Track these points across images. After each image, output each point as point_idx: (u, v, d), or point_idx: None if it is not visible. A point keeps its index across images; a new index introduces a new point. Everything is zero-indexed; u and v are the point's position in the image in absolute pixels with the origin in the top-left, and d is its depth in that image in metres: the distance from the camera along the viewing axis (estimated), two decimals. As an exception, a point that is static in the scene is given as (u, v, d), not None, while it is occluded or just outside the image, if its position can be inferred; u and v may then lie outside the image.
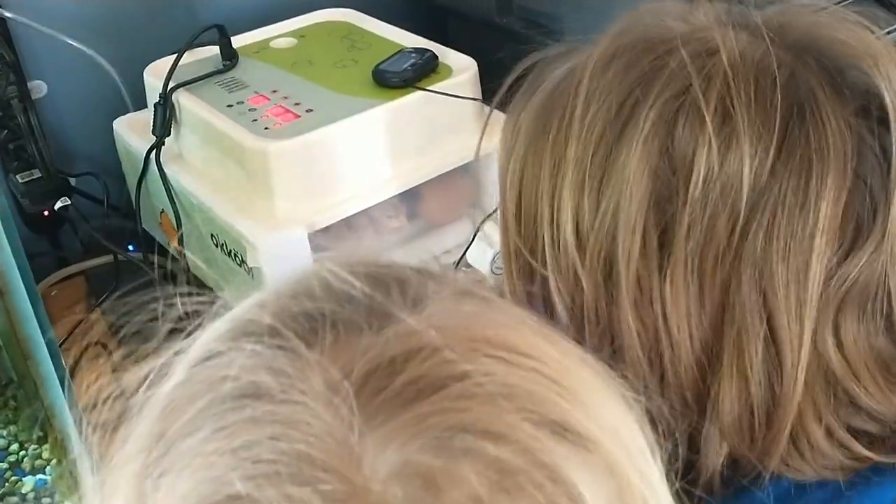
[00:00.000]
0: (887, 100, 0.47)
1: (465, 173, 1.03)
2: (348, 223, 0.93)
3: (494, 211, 1.02)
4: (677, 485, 0.37)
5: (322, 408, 0.28)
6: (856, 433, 0.52)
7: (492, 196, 1.04)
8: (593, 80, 0.51)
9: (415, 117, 0.93)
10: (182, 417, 0.30)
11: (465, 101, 0.95)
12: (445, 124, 0.95)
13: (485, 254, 1.02)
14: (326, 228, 0.89)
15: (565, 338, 0.35)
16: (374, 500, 0.27)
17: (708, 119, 0.47)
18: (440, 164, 0.95)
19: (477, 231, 1.00)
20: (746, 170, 0.47)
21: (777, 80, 0.47)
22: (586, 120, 0.50)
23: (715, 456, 0.53)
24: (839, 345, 0.49)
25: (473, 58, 0.99)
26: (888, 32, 0.54)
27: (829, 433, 0.51)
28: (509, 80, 0.57)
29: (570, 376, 0.32)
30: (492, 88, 0.99)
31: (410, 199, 1.00)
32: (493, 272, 0.98)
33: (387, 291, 0.33)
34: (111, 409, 0.34)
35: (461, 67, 0.97)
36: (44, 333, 0.65)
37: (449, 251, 1.04)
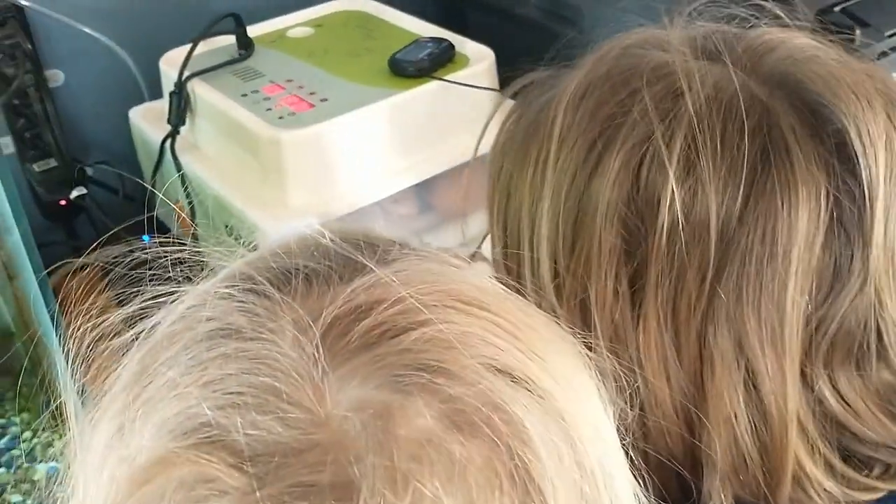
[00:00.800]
0: (856, 144, 0.45)
1: (482, 164, 1.02)
2: (361, 213, 0.92)
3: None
4: (628, 439, 0.37)
5: (289, 347, 0.31)
6: (864, 464, 0.51)
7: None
8: (566, 116, 0.50)
9: (431, 107, 0.92)
10: (162, 356, 0.33)
11: (482, 91, 0.94)
12: (462, 114, 0.94)
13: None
14: (340, 218, 0.88)
15: (529, 304, 0.37)
16: (333, 430, 0.29)
17: (670, 170, 0.46)
18: (456, 155, 0.94)
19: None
20: (713, 219, 0.46)
21: (745, 124, 0.46)
22: (558, 164, 0.50)
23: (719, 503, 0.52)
24: (835, 389, 0.48)
25: (491, 48, 0.98)
26: (880, 55, 0.52)
27: (834, 472, 0.50)
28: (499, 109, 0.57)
29: (528, 332, 0.34)
30: (509, 78, 0.99)
31: (425, 190, 0.99)
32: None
33: (358, 249, 0.35)
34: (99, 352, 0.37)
35: (478, 57, 0.96)
36: (53, 317, 0.65)
37: (465, 244, 1.03)
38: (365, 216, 0.93)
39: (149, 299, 0.36)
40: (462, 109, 0.94)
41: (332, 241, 0.36)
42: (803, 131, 0.46)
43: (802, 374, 0.48)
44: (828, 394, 0.48)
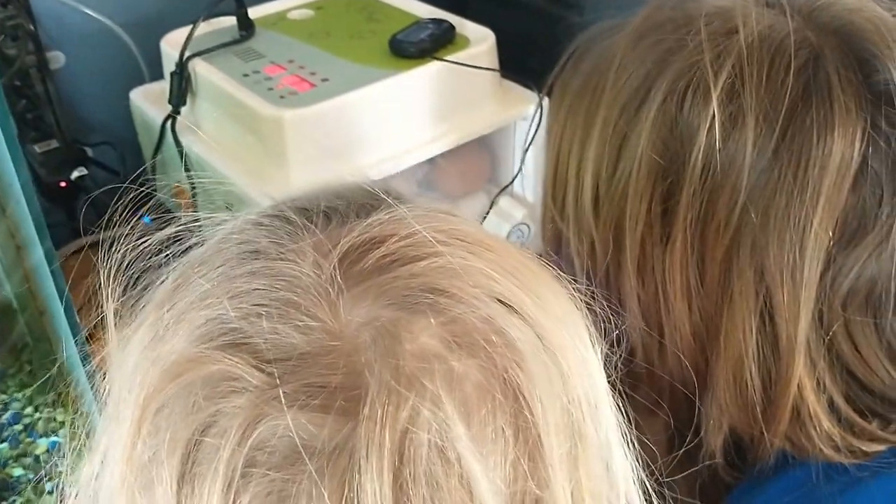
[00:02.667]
0: (894, 90, 0.46)
1: (482, 146, 1.02)
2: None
3: (510, 184, 1.02)
4: (614, 376, 0.40)
5: (309, 267, 0.34)
6: (868, 415, 0.51)
7: (508, 170, 1.04)
8: (625, 54, 0.52)
9: (431, 88, 0.92)
10: (196, 274, 0.36)
11: (483, 72, 0.94)
12: (462, 95, 0.94)
13: (500, 228, 1.02)
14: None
15: (531, 254, 0.40)
16: (346, 339, 0.32)
17: (714, 96, 0.48)
18: (457, 136, 0.94)
19: (492, 205, 1.00)
20: (749, 148, 0.47)
21: (793, 62, 0.47)
22: (614, 91, 0.52)
23: (715, 432, 0.54)
24: (849, 334, 0.49)
25: (491, 30, 0.98)
26: None
27: (839, 416, 0.51)
28: (562, 60, 0.58)
29: (526, 272, 0.37)
30: (509, 59, 0.99)
31: (426, 170, 0.99)
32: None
33: (374, 193, 0.39)
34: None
35: (479, 38, 0.97)
36: (59, 289, 0.65)
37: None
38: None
39: (181, 225, 0.40)
40: (462, 90, 0.94)
41: (353, 184, 0.40)
42: (848, 76, 0.48)
43: (820, 314, 0.49)
44: (841, 338, 0.49)
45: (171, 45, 0.98)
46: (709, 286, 0.50)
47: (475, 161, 1.00)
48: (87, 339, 0.97)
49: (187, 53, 0.94)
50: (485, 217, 1.01)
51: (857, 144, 0.47)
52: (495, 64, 0.96)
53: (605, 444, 0.36)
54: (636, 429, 0.72)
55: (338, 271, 0.34)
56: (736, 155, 0.48)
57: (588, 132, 0.54)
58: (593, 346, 0.38)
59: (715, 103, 0.48)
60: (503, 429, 0.32)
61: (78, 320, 0.70)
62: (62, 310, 0.66)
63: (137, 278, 0.40)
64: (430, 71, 0.92)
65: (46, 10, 1.04)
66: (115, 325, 0.39)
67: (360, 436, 0.30)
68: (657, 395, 0.59)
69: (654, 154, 0.50)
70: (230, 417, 0.31)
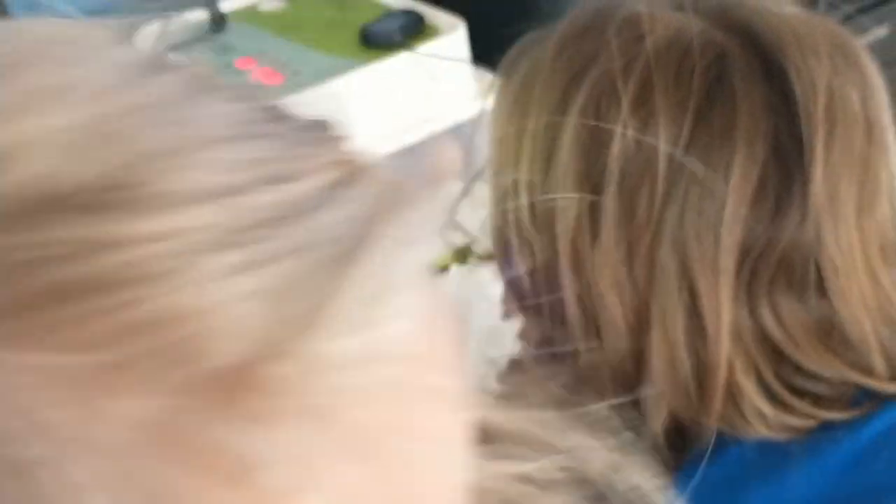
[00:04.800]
0: (797, 88, 0.49)
1: (455, 135, 1.03)
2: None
3: (481, 171, 1.03)
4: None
5: None
6: (800, 392, 0.54)
7: (482, 158, 1.04)
8: (550, 64, 0.55)
9: (402, 78, 0.93)
10: None
11: (453, 61, 0.95)
12: (433, 86, 0.95)
13: (474, 216, 1.02)
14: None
15: None
16: None
17: (625, 102, 0.50)
18: (429, 126, 0.95)
19: (465, 191, 1.01)
20: (661, 150, 0.50)
21: (698, 63, 0.50)
22: (541, 102, 0.55)
23: (656, 417, 0.56)
24: (776, 316, 0.52)
25: (464, 17, 0.98)
26: (846, 18, 0.57)
27: (771, 394, 0.53)
28: (500, 69, 0.61)
29: None
30: (480, 48, 0.99)
31: (398, 161, 1.00)
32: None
33: None
34: None
35: (449, 27, 0.97)
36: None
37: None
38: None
39: None
40: (432, 80, 0.94)
41: None
42: (752, 74, 0.50)
43: (745, 298, 0.51)
44: (768, 318, 0.52)
45: (144, 40, 0.98)
46: (637, 281, 0.53)
47: (448, 150, 1.01)
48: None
49: (160, 49, 0.95)
50: (458, 203, 1.01)
51: (762, 139, 0.49)
52: (466, 52, 0.97)
53: None
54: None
55: None
56: (650, 156, 0.50)
57: (520, 141, 0.57)
58: None
59: (626, 109, 0.50)
60: None
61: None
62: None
63: None
64: (400, 62, 0.92)
65: (22, 4, 1.04)
66: None
67: None
68: (603, 390, 0.61)
69: (576, 161, 0.53)
70: None
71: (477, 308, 0.95)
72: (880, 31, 1.39)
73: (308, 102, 0.83)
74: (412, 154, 0.98)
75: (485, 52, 0.98)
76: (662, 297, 0.52)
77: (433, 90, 0.95)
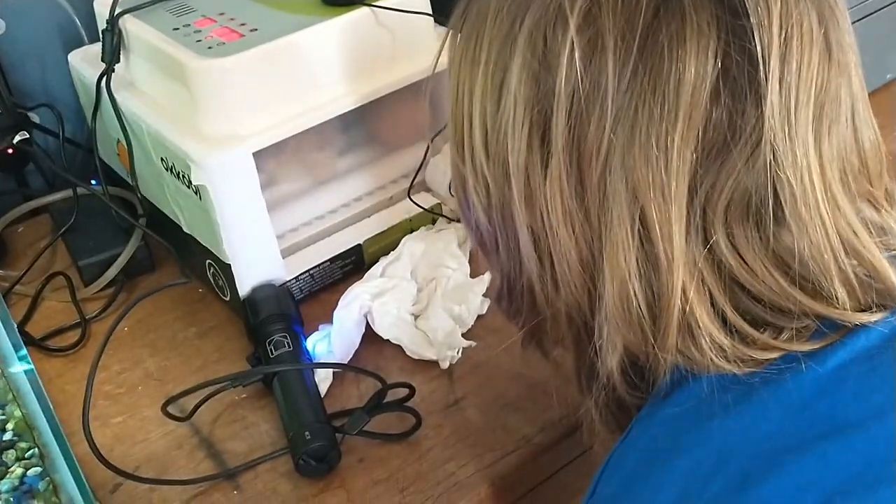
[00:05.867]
0: (749, 4, 0.47)
1: (419, 93, 1.02)
2: (298, 141, 0.92)
3: (444, 128, 1.01)
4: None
5: None
6: (759, 324, 0.52)
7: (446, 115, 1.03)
8: (495, 4, 0.55)
9: (363, 34, 0.92)
10: None
11: (415, 16, 0.94)
12: (395, 41, 0.94)
13: (445, 176, 1.01)
14: (277, 146, 0.88)
15: None
16: None
17: (571, 21, 0.49)
18: (391, 82, 0.94)
19: (428, 149, 0.99)
20: (610, 72, 0.48)
21: None
22: (491, 33, 0.55)
23: (610, 352, 0.55)
24: (733, 244, 0.50)
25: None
26: None
27: (728, 326, 0.51)
28: (457, 9, 0.60)
29: None
30: (440, 7, 0.98)
31: (365, 121, 0.99)
32: (451, 194, 0.97)
33: None
34: None
35: (410, -17, 0.96)
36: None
37: (407, 175, 1.03)
38: (301, 144, 0.93)
39: None
40: (396, 36, 0.93)
41: None
42: None
43: (699, 227, 0.50)
44: (725, 250, 0.50)
45: (104, 4, 0.97)
46: (588, 211, 0.52)
47: (413, 108, 1.00)
48: (33, 301, 0.97)
49: (118, 10, 0.94)
50: (422, 163, 1.00)
51: (711, 58, 0.47)
52: (427, 8, 0.95)
53: None
54: (550, 363, 0.73)
55: None
56: (599, 79, 0.49)
57: (474, 75, 0.56)
58: None
59: (573, 30, 0.49)
60: None
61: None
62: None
63: None
64: (360, 17, 0.91)
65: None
66: None
67: None
68: (559, 327, 0.60)
69: (526, 88, 0.52)
70: None
71: (445, 266, 0.94)
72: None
73: (267, 57, 0.82)
74: (379, 115, 0.97)
75: (444, 11, 0.97)
76: (614, 226, 0.50)
77: (395, 46, 0.94)
